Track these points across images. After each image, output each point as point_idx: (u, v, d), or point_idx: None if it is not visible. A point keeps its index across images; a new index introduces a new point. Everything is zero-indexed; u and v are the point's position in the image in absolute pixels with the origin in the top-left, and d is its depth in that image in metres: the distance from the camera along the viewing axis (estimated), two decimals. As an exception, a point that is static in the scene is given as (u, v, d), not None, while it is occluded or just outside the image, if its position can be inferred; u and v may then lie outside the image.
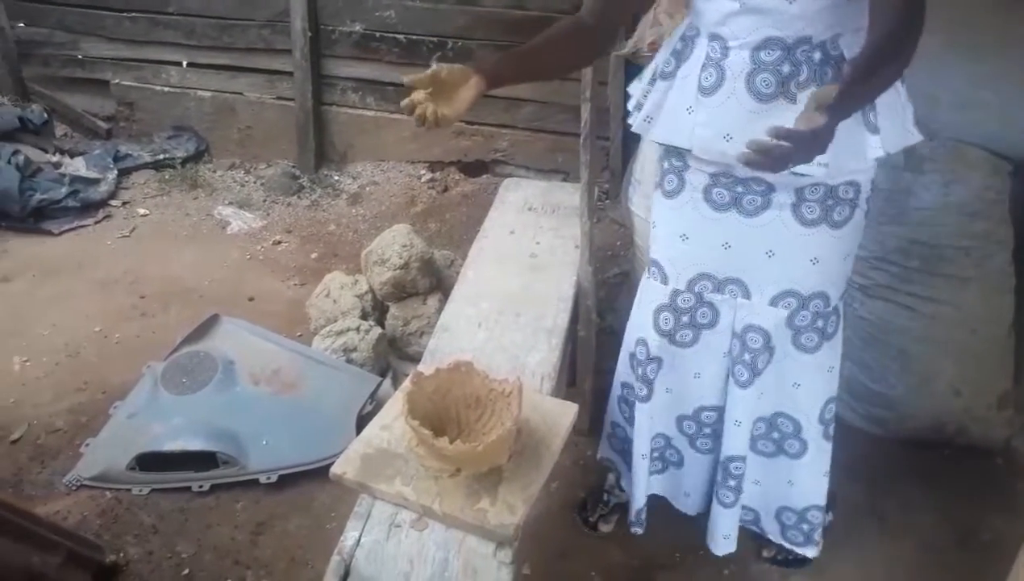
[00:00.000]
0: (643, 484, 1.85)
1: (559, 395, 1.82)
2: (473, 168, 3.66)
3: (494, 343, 1.90)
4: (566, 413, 1.58)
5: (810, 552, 1.91)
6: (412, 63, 3.52)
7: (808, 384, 1.70)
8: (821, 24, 1.37)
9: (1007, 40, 2.19)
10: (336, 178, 3.74)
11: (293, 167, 3.77)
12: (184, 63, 3.87)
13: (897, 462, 2.31)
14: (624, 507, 2.03)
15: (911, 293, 2.29)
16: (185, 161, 3.81)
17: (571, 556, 2.02)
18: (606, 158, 3.39)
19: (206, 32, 3.76)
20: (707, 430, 1.82)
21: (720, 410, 1.78)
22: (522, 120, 3.54)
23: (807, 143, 1.13)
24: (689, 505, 1.95)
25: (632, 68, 3.05)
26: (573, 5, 3.07)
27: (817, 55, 1.39)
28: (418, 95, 1.32)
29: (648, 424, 1.79)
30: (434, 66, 1.34)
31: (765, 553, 1.99)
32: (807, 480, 1.80)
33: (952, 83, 2.19)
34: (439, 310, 2.19)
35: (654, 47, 2.40)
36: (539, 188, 2.68)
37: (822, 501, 1.83)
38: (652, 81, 1.60)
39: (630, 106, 1.67)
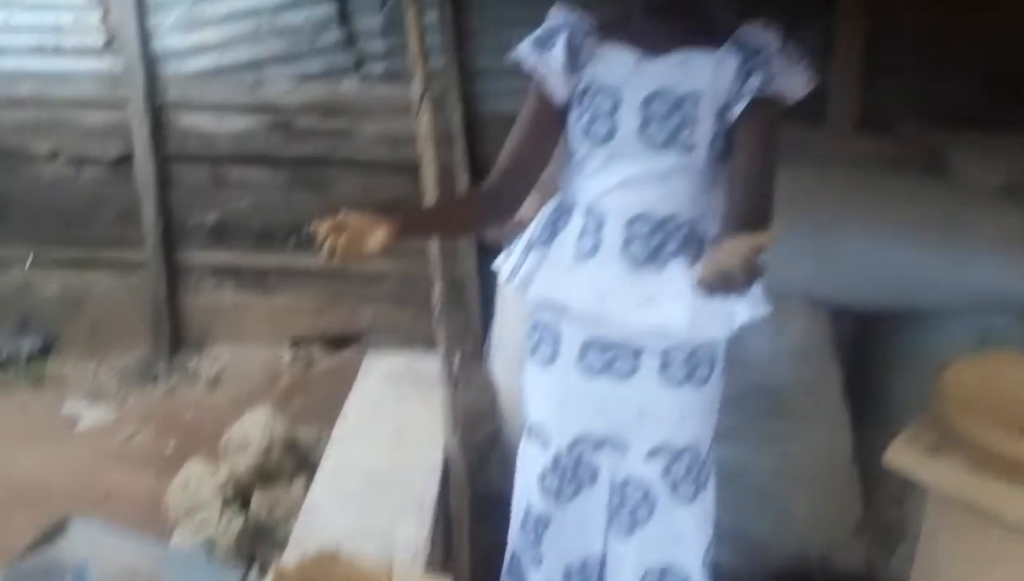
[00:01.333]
0: None
1: (434, 570, 1.79)
2: (336, 342, 3.67)
3: (362, 522, 1.87)
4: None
5: None
6: (268, 249, 3.58)
7: (690, 534, 1.77)
8: (689, 204, 1.57)
9: (807, 204, 2.49)
10: (193, 364, 3.65)
11: (148, 356, 3.66)
12: (29, 259, 3.76)
13: (767, 601, 2.38)
14: None
15: (760, 434, 2.43)
16: (30, 358, 3.63)
17: None
18: (468, 321, 3.49)
19: (53, 227, 3.70)
20: None
21: (603, 563, 1.80)
22: (385, 292, 3.62)
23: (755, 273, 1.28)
24: None
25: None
26: (419, 193, 3.23)
27: (683, 231, 1.58)
28: (330, 235, 1.37)
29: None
30: (343, 213, 1.37)
31: None
32: None
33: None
34: (305, 493, 2.13)
35: (522, 219, 2.56)
36: (402, 360, 2.72)
37: None
38: (527, 249, 1.71)
39: (504, 274, 1.77)
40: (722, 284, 1.27)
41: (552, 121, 1.65)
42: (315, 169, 3.63)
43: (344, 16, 3.52)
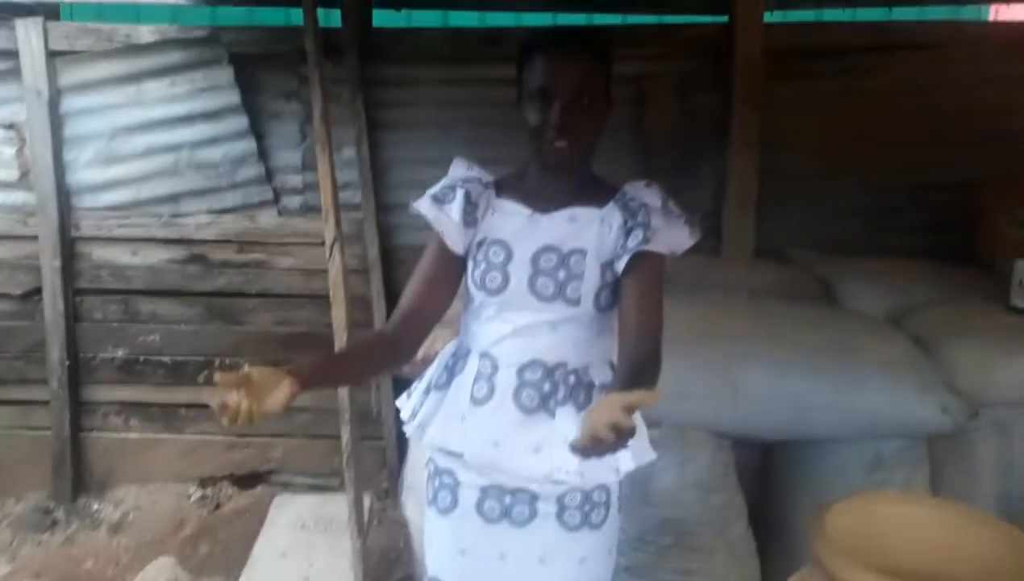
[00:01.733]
0: None
1: None
2: (247, 480, 3.59)
3: None
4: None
5: None
6: (179, 384, 3.53)
7: None
8: (577, 352, 1.63)
9: (706, 338, 2.59)
10: (96, 507, 3.51)
11: (47, 499, 3.51)
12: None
13: None
14: None
15: (670, 568, 2.44)
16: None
17: None
18: (383, 457, 3.47)
19: (-49, 365, 3.58)
20: None
21: None
22: (297, 428, 3.57)
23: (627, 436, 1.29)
24: None
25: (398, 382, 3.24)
26: (325, 315, 3.25)
27: (572, 378, 1.63)
28: (231, 396, 1.31)
29: None
30: (246, 367, 1.36)
31: None
32: None
33: (665, 376, 2.51)
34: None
35: (427, 357, 2.59)
36: (312, 503, 2.68)
37: None
38: (426, 392, 1.74)
39: (404, 416, 1.79)
40: (594, 448, 1.31)
41: (451, 269, 1.70)
42: (230, 301, 3.63)
43: (263, 152, 3.60)
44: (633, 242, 1.58)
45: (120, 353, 3.54)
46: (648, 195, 1.66)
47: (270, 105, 3.61)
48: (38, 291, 3.58)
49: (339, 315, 2.65)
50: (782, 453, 2.67)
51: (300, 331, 3.56)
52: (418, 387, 1.80)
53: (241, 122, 3.55)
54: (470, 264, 1.69)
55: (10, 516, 3.47)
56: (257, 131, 3.58)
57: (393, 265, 3.61)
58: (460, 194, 1.68)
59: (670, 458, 2.47)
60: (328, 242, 2.56)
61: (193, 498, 3.54)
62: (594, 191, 1.68)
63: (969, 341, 2.68)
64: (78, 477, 3.57)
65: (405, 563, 2.96)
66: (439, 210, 1.68)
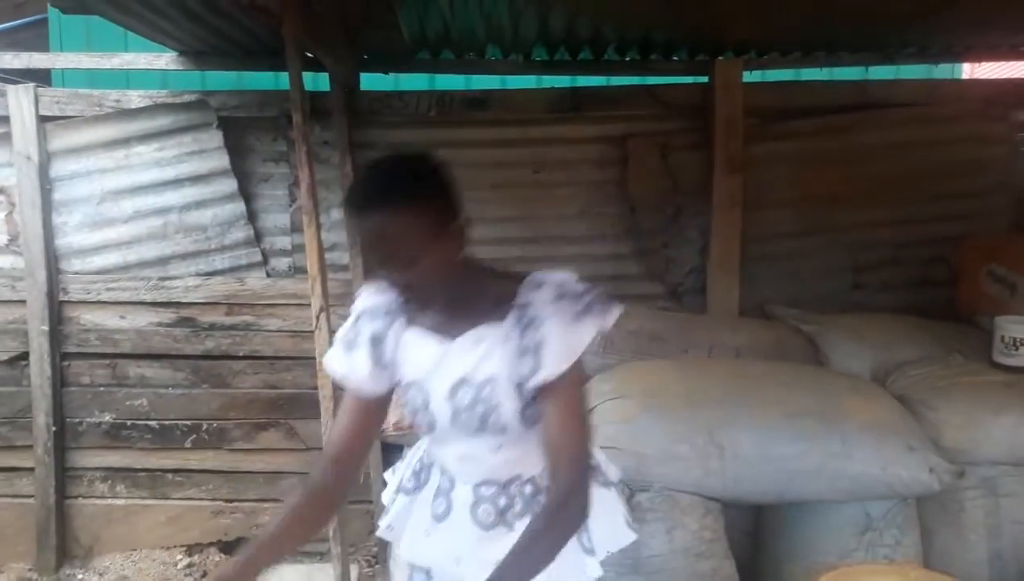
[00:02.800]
0: None
1: None
2: (234, 546, 3.54)
3: None
4: None
5: None
6: (166, 447, 3.50)
7: None
8: (527, 463, 1.60)
9: (692, 401, 2.60)
10: (80, 577, 3.46)
11: (30, 570, 3.46)
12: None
13: None
14: None
15: (661, 636, 2.43)
16: None
17: None
18: (371, 522, 3.44)
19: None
20: None
21: None
22: (284, 493, 3.55)
23: None
24: None
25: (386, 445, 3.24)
26: (312, 377, 3.25)
27: (528, 488, 1.61)
28: None
29: None
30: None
31: None
32: None
33: (653, 440, 2.53)
34: None
35: (400, 427, 2.60)
36: (299, 574, 2.65)
37: None
38: (397, 491, 1.75)
39: (385, 501, 1.78)
40: None
41: (372, 410, 1.63)
42: (217, 364, 3.62)
43: (252, 215, 3.63)
44: (529, 372, 1.48)
45: (107, 417, 3.52)
46: (542, 296, 1.50)
47: (259, 168, 3.64)
48: (25, 356, 3.56)
49: (326, 381, 2.65)
50: (771, 515, 2.67)
51: (288, 393, 3.55)
52: (392, 481, 1.80)
53: (230, 185, 3.59)
54: (400, 398, 1.64)
55: (-9, 588, 3.42)
56: (246, 193, 3.61)
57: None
58: (367, 339, 1.60)
59: (659, 524, 2.47)
60: (315, 311, 2.58)
61: (180, 565, 3.50)
62: (497, 300, 1.53)
63: (954, 400, 2.70)
64: (63, 546, 3.52)
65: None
66: (349, 359, 1.61)
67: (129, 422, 3.52)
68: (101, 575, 3.48)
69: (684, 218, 3.60)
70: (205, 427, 3.49)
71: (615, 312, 1.52)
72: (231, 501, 3.51)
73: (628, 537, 1.69)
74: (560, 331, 1.46)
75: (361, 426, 1.62)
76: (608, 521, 1.66)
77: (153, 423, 3.52)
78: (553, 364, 1.45)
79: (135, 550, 3.55)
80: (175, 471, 3.54)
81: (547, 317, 1.47)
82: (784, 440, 2.53)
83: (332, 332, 2.58)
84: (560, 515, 1.42)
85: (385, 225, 1.38)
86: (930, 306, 3.48)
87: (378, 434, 1.70)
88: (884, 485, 2.49)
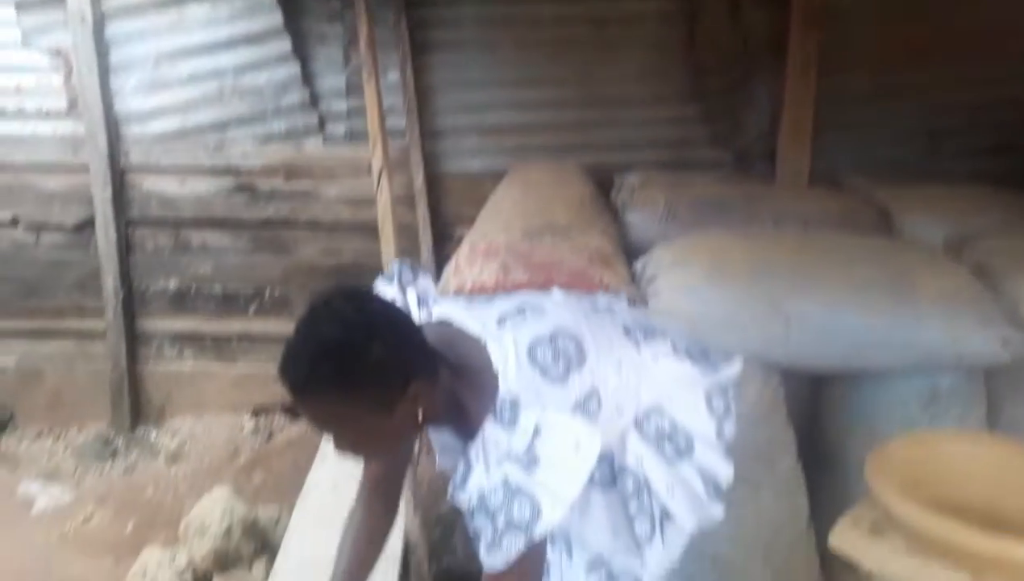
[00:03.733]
0: None
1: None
2: (298, 412, 3.63)
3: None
4: None
5: None
6: (229, 313, 3.58)
7: None
8: None
9: (756, 270, 2.53)
10: (153, 437, 3.62)
11: (107, 429, 3.63)
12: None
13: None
14: None
15: (716, 502, 2.45)
16: (-14, 435, 3.60)
17: None
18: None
19: (9, 298, 3.66)
20: None
21: None
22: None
23: None
24: None
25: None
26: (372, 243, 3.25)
27: None
28: None
29: None
30: None
31: None
32: None
33: (712, 306, 2.48)
34: (265, 579, 2.13)
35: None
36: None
37: None
38: None
39: None
40: None
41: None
42: (277, 231, 3.64)
43: (307, 77, 3.55)
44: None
45: (172, 284, 3.59)
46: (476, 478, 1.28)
47: (313, 27, 3.54)
48: (91, 222, 3.62)
49: (388, 247, 2.63)
50: (834, 386, 2.63)
51: (348, 261, 3.57)
52: None
53: (284, 45, 3.50)
54: None
55: (73, 445, 3.60)
56: (300, 55, 3.52)
57: (439, 193, 3.57)
58: None
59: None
60: (375, 171, 2.52)
61: (247, 428, 3.63)
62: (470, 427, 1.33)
63: (1032, 272, 2.58)
64: (136, 407, 3.68)
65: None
66: None
67: (193, 288, 3.58)
68: (173, 435, 3.63)
69: (754, 80, 3.42)
70: (267, 294, 3.54)
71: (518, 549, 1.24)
72: (295, 366, 3.58)
73: (712, 515, 1.64)
74: (483, 547, 1.26)
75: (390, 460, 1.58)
76: (684, 500, 1.59)
77: (216, 289, 3.58)
78: (486, 563, 1.27)
79: (204, 413, 3.69)
80: (239, 337, 3.62)
81: (473, 519, 1.27)
82: (852, 311, 2.45)
83: (392, 195, 2.53)
84: None
85: (304, 410, 1.25)
86: (1009, 174, 3.28)
87: (411, 461, 1.66)
88: (954, 356, 2.42)
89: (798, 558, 2.47)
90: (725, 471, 1.59)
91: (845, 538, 1.56)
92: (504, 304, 1.47)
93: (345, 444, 1.29)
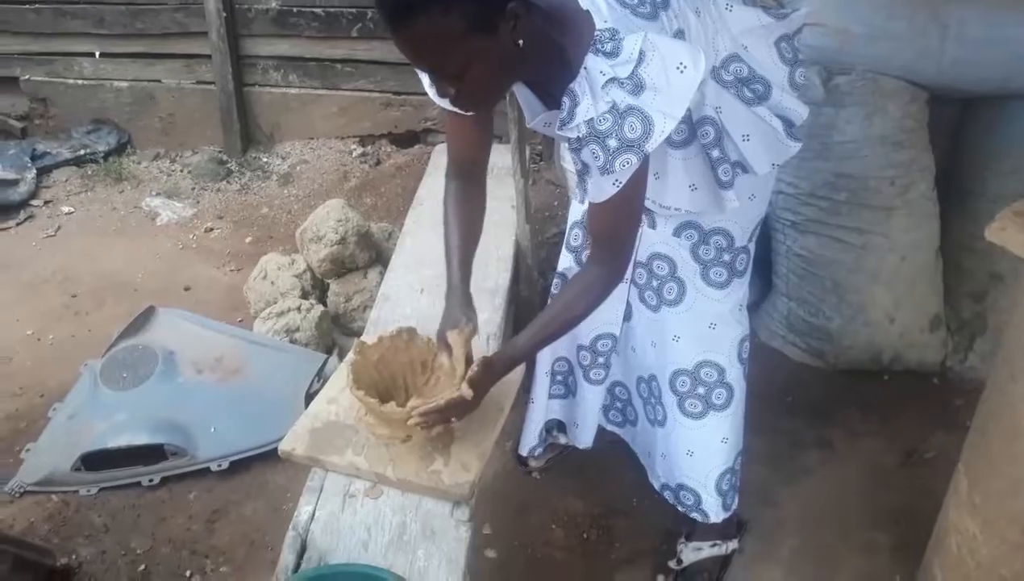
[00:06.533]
0: (543, 405, 1.95)
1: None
2: (404, 139, 3.61)
3: (437, 308, 1.86)
4: (515, 370, 1.58)
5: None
6: (332, 36, 3.46)
7: (722, 324, 1.72)
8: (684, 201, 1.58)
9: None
10: (265, 160, 3.66)
11: (220, 152, 3.67)
12: (97, 53, 3.71)
13: (838, 392, 2.39)
14: (559, 447, 2.11)
15: (841, 225, 2.34)
16: (107, 155, 3.68)
17: (530, 511, 2.05)
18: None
19: (116, 19, 3.61)
20: (600, 360, 1.86)
21: (615, 339, 1.82)
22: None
23: (461, 408, 1.40)
24: (577, 436, 2.00)
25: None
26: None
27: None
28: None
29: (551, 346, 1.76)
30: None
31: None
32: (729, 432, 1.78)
33: (863, 16, 2.23)
34: (380, 283, 2.16)
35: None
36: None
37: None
38: None
39: None
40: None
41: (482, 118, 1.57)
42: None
43: None
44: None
45: (274, 3, 3.46)
46: (577, 125, 1.28)
47: None
48: (191, -60, 3.47)
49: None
50: (979, 116, 2.40)
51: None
52: None
53: None
54: None
55: (189, 165, 3.67)
56: None
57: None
58: None
59: (856, 109, 2.26)
60: None
61: (354, 154, 3.62)
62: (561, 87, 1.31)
63: None
64: (246, 131, 3.68)
65: (560, 221, 2.99)
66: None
67: (296, 8, 3.45)
68: (283, 159, 3.66)
69: None
70: (370, 15, 3.39)
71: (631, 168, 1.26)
72: (399, 94, 3.50)
73: (790, 148, 1.55)
74: (593, 175, 1.31)
75: (476, 134, 1.58)
76: (760, 144, 1.52)
77: (318, 10, 3.43)
78: (593, 194, 1.34)
79: (312, 138, 3.68)
80: (344, 61, 3.52)
81: (583, 147, 1.28)
82: (1019, 21, 2.18)
83: None
84: (583, 279, 1.48)
85: (406, 42, 1.17)
86: None
87: (491, 134, 1.61)
88: None
89: (923, 287, 2.38)
90: (801, 111, 1.54)
91: (1005, 230, 1.42)
92: None
93: (448, 81, 1.24)
